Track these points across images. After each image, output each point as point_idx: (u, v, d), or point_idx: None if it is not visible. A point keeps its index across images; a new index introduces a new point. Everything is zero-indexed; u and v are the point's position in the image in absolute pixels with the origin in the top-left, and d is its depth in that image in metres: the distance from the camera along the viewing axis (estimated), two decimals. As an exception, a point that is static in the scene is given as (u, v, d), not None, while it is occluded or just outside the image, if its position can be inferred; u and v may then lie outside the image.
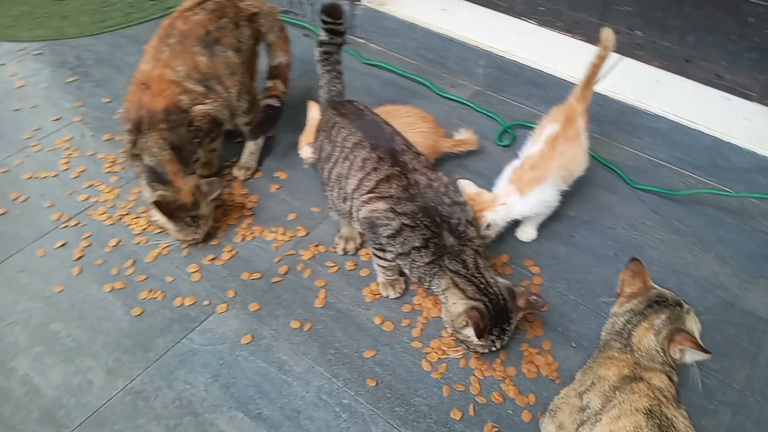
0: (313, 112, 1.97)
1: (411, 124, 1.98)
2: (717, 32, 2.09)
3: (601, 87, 2.18)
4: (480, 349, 1.55)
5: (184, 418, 1.50)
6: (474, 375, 1.58)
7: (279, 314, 1.72)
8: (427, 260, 1.52)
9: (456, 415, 1.50)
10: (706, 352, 1.26)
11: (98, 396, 1.54)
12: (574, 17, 2.37)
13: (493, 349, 1.54)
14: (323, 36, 1.77)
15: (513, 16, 2.53)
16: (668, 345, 1.29)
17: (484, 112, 2.38)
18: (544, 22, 2.47)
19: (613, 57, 2.31)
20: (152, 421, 1.49)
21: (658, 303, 1.35)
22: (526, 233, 1.91)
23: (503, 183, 1.81)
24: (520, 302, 1.51)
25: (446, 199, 1.55)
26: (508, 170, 1.84)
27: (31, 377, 1.59)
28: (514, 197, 1.77)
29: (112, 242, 1.92)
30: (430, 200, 1.53)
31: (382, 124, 1.70)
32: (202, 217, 1.84)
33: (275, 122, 2.11)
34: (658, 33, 2.21)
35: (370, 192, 1.58)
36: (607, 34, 1.76)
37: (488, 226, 1.75)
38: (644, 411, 1.15)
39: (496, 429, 1.48)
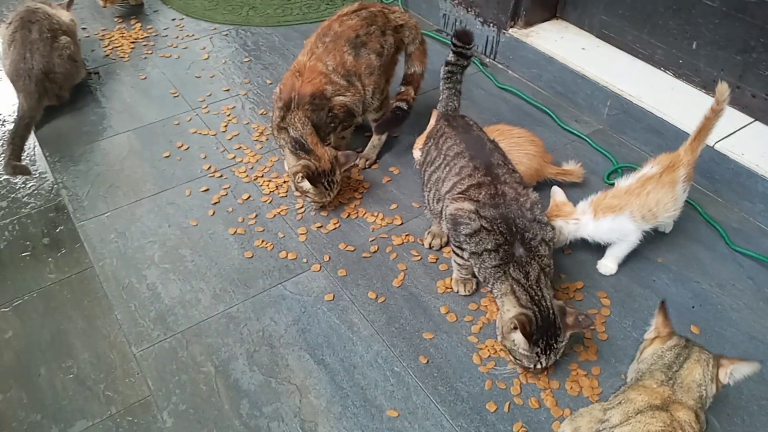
0: (434, 120, 2.17)
1: (519, 145, 2.12)
2: None
3: (721, 144, 2.18)
4: (525, 362, 1.63)
5: (262, 347, 1.78)
6: (518, 378, 1.70)
7: (360, 284, 1.95)
8: (494, 263, 1.66)
9: (491, 407, 1.63)
10: (755, 362, 1.34)
11: (202, 312, 1.87)
12: (712, 75, 2.37)
13: (539, 365, 1.62)
14: (451, 57, 1.96)
15: (651, 64, 2.57)
16: (717, 372, 1.35)
17: (600, 149, 2.46)
18: (680, 75, 2.49)
19: (745, 119, 2.29)
20: (237, 343, 1.79)
21: (688, 340, 1.43)
22: (606, 267, 1.98)
23: (586, 202, 1.91)
24: (569, 320, 1.60)
25: (528, 214, 1.68)
26: (597, 194, 1.93)
27: (156, 286, 1.95)
28: (587, 218, 1.86)
29: (244, 196, 2.27)
30: (512, 212, 1.67)
31: (485, 140, 1.86)
32: (335, 183, 2.13)
33: (400, 123, 2.35)
34: (796, 102, 2.16)
35: (460, 194, 1.75)
36: (723, 89, 1.78)
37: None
38: (653, 433, 1.23)
39: (524, 429, 1.59)
